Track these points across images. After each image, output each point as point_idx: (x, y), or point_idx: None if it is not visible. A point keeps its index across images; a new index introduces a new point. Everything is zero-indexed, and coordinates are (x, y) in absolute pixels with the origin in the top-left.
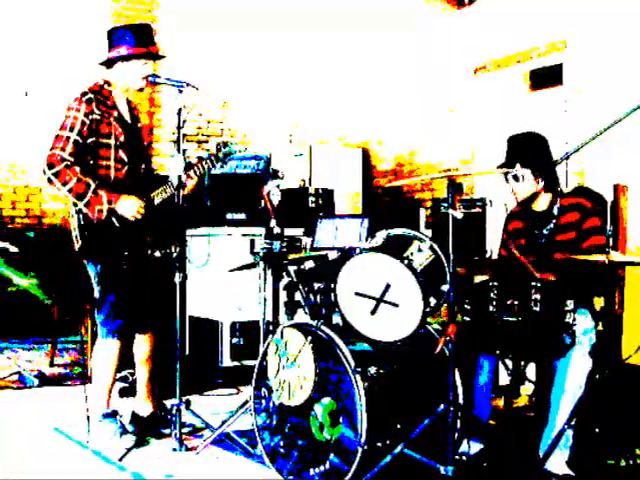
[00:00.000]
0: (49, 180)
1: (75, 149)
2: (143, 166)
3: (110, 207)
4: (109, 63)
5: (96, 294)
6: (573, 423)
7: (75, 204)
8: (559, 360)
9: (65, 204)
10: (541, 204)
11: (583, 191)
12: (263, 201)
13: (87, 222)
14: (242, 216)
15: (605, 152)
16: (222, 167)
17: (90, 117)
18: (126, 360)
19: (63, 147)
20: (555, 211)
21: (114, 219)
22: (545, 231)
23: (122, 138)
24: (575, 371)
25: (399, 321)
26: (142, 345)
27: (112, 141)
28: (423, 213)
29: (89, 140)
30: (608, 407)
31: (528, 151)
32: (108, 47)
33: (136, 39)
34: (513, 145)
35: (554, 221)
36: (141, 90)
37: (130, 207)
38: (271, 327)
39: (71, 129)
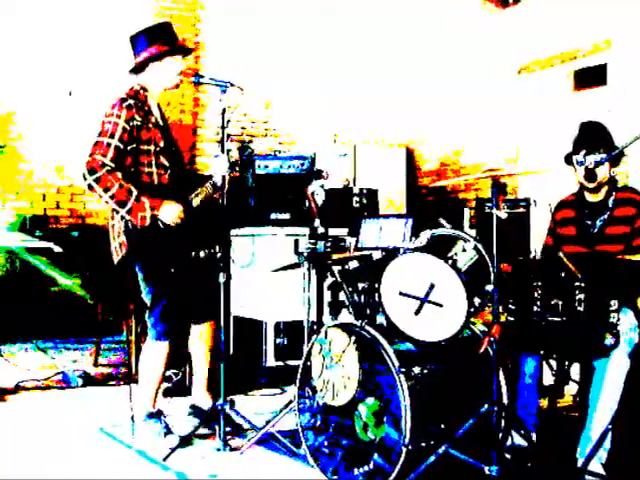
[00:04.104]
0: (89, 186)
1: (116, 155)
2: (176, 169)
3: (153, 213)
4: (142, 67)
5: (145, 297)
6: (611, 423)
7: (117, 211)
8: (598, 360)
9: (108, 206)
10: (599, 195)
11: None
12: (307, 201)
13: (134, 225)
14: (286, 216)
15: None
16: (260, 167)
17: (131, 123)
18: (171, 360)
19: (104, 153)
20: (610, 203)
21: (159, 222)
22: (598, 222)
23: (162, 143)
24: (614, 371)
25: (443, 321)
26: (201, 339)
27: (152, 147)
28: (467, 213)
29: (129, 147)
30: None
31: (610, 138)
32: (134, 53)
33: (163, 37)
34: (596, 130)
35: (608, 213)
36: (177, 87)
37: (171, 213)
38: (315, 327)
39: (112, 135)
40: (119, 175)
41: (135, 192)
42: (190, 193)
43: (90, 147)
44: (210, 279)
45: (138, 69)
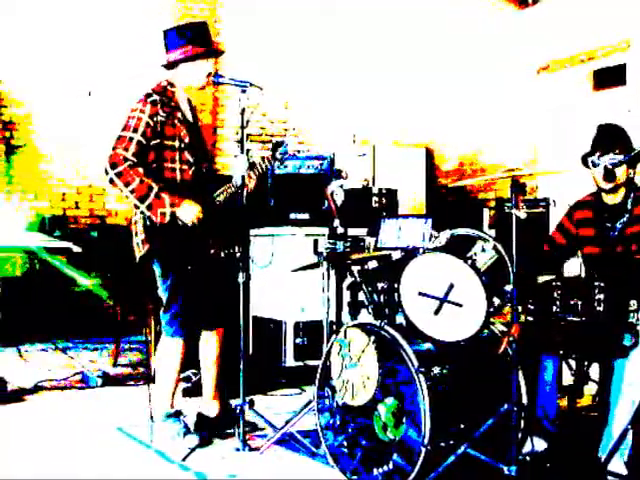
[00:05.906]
0: (111, 181)
1: (138, 150)
2: (205, 165)
3: (173, 210)
4: (174, 64)
5: (162, 294)
6: (631, 423)
7: (137, 206)
8: (617, 360)
9: (129, 205)
10: (616, 197)
11: None
12: (326, 201)
13: (153, 223)
14: (305, 216)
15: None
16: (279, 167)
17: (155, 119)
18: (189, 360)
19: (126, 147)
20: (629, 205)
21: (179, 220)
22: (618, 224)
23: (187, 139)
24: (634, 371)
25: (463, 321)
26: (210, 344)
27: (177, 143)
28: (486, 213)
29: (153, 142)
30: None
31: (627, 140)
32: (167, 48)
33: (199, 38)
34: (613, 132)
35: (627, 215)
36: (203, 88)
37: (189, 212)
38: (335, 327)
39: (135, 130)
40: (140, 170)
41: (155, 188)
42: (213, 191)
43: (113, 141)
44: (227, 286)
45: (170, 65)
